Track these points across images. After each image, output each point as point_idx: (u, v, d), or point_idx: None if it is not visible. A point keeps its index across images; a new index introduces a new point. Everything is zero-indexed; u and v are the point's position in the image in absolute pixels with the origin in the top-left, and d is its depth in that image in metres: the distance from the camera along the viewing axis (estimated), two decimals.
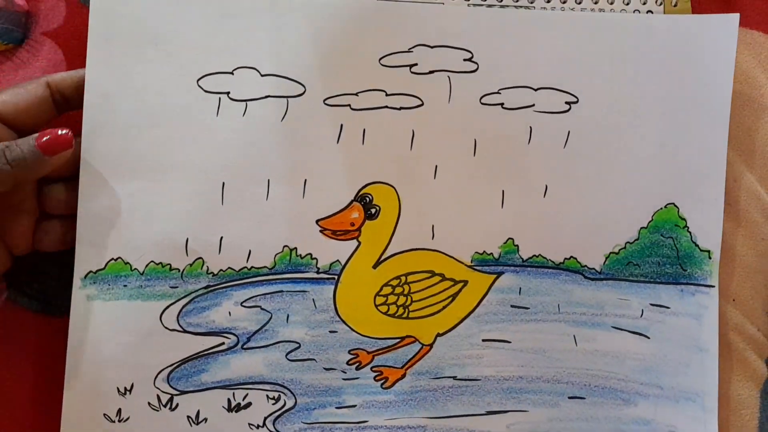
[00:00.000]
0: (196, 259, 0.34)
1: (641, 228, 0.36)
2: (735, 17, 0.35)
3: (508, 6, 0.36)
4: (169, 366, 0.34)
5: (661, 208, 0.36)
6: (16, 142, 0.32)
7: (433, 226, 0.35)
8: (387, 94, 0.35)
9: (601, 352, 0.36)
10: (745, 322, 0.37)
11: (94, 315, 0.34)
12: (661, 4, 0.36)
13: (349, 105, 0.35)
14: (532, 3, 0.36)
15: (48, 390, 0.36)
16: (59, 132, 0.33)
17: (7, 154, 0.32)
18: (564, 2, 0.36)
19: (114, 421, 0.34)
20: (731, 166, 0.37)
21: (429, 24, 0.35)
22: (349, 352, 0.35)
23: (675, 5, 0.37)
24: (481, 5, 0.36)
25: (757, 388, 0.37)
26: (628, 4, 0.37)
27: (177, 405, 0.34)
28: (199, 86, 0.34)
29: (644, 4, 0.37)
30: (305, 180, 0.35)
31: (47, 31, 0.37)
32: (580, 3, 0.36)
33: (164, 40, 0.34)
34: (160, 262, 0.34)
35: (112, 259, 0.34)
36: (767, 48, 0.38)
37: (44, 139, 0.32)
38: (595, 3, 0.36)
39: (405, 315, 0.36)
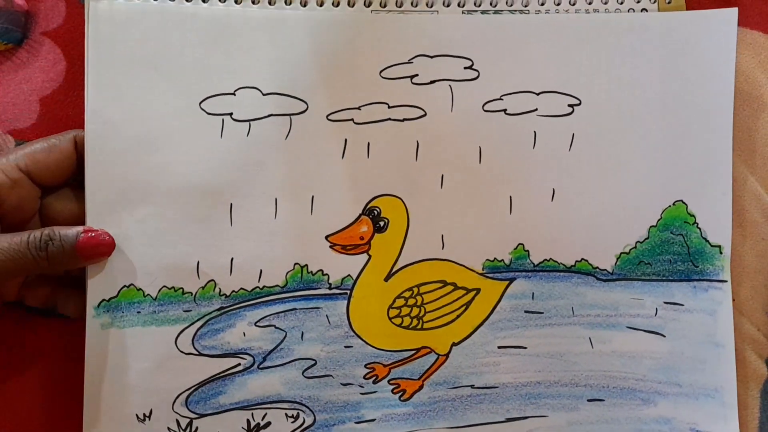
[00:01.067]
0: (208, 282, 0.35)
1: (651, 226, 0.37)
2: (734, 11, 0.36)
3: (503, 11, 0.37)
4: (187, 390, 0.35)
5: (670, 206, 0.37)
6: (60, 235, 0.33)
7: (442, 236, 0.36)
8: (389, 107, 0.36)
9: (618, 352, 0.37)
10: (745, 322, 0.38)
11: (109, 343, 0.34)
12: (654, 2, 0.37)
13: (352, 119, 0.36)
14: (526, 6, 0.37)
15: (65, 410, 0.36)
16: (103, 237, 0.34)
17: (49, 247, 0.32)
18: (558, 4, 0.37)
19: None
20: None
21: (428, 34, 0.36)
22: (365, 366, 0.36)
23: (669, 2, 0.38)
24: (476, 11, 0.37)
25: (757, 388, 0.38)
26: (621, 3, 0.37)
27: (197, 428, 0.35)
28: (202, 109, 0.35)
29: (638, 2, 0.37)
30: (312, 197, 0.36)
31: (47, 31, 0.37)
32: (573, 4, 0.37)
33: (164, 63, 0.35)
34: (173, 287, 0.35)
35: (125, 286, 0.34)
36: (767, 48, 0.38)
37: (89, 236, 0.33)
38: (589, 3, 0.37)
39: (419, 326, 0.36)
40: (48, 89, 0.37)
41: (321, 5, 0.36)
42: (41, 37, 0.37)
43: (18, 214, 0.34)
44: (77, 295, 0.35)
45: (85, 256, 0.33)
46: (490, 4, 0.37)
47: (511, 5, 0.37)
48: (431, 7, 0.37)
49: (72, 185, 0.36)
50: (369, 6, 0.36)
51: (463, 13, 0.37)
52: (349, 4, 0.36)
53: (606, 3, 0.37)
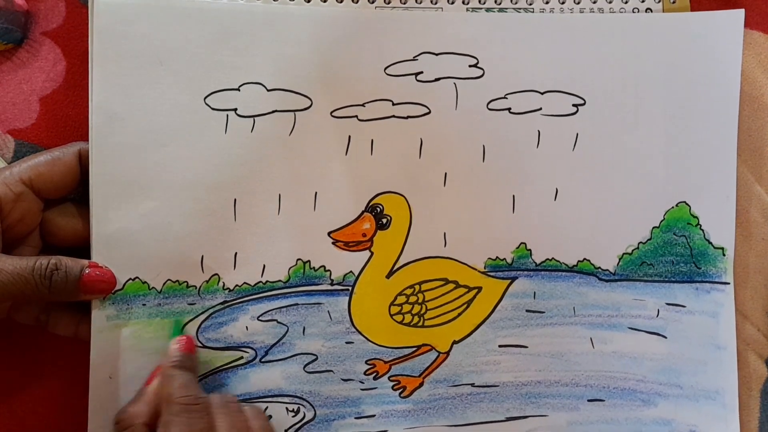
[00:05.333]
0: (212, 276, 0.38)
1: (653, 227, 0.39)
2: (740, 13, 0.38)
3: (507, 8, 0.39)
4: None
5: (673, 207, 0.39)
6: (66, 266, 0.34)
7: (444, 234, 0.39)
8: (394, 104, 0.38)
9: (619, 353, 0.39)
10: (745, 322, 0.40)
11: (114, 335, 0.37)
12: (659, 2, 0.39)
13: (356, 116, 0.38)
14: (530, 4, 0.39)
15: (70, 405, 0.39)
16: (108, 275, 0.36)
17: (53, 277, 0.34)
18: (563, 2, 0.39)
19: None
20: None
21: (433, 31, 0.38)
22: (366, 362, 0.39)
23: (673, 2, 0.40)
24: (480, 8, 0.39)
25: (757, 388, 0.40)
26: (626, 2, 0.39)
27: None
28: (206, 104, 0.37)
29: (643, 2, 0.39)
30: (315, 193, 0.38)
31: (47, 31, 0.39)
32: (578, 3, 0.39)
33: (169, 59, 0.37)
34: (177, 280, 0.38)
35: (130, 279, 0.37)
36: (767, 48, 0.41)
37: (94, 272, 0.35)
38: (594, 2, 0.39)
39: (420, 323, 0.39)
40: (48, 89, 0.39)
41: (325, 1, 0.38)
42: (41, 37, 0.39)
43: (20, 227, 0.36)
44: (68, 315, 0.37)
45: (87, 290, 0.35)
46: (495, 2, 0.39)
47: (516, 3, 0.39)
48: (435, 3, 0.39)
49: (73, 199, 0.38)
50: (373, 2, 0.39)
51: (467, 10, 0.39)
52: (353, 0, 0.39)
53: (611, 2, 0.39)
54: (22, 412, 0.39)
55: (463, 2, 0.39)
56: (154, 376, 0.36)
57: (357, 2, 0.39)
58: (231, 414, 0.35)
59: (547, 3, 0.39)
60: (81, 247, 0.37)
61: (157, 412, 0.34)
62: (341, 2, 0.38)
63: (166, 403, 0.34)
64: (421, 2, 0.39)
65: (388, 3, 0.39)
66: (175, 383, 0.34)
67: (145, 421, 0.34)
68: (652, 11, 0.40)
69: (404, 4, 0.39)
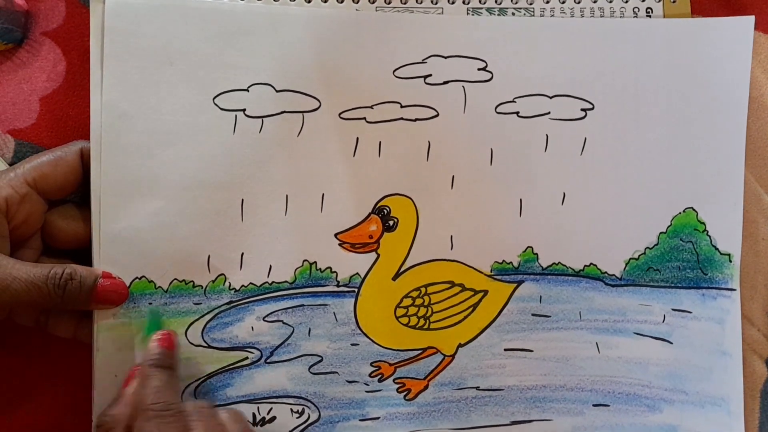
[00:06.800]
0: (218, 276, 0.38)
1: (660, 233, 0.39)
2: (750, 19, 0.39)
3: (507, 8, 0.39)
4: (195, 381, 0.38)
5: (680, 213, 0.39)
6: (81, 276, 0.35)
7: (451, 237, 0.39)
8: (402, 106, 0.39)
9: (624, 358, 0.39)
10: (745, 322, 0.40)
11: (120, 333, 0.37)
12: (659, 1, 0.40)
13: (365, 118, 0.38)
14: (531, 4, 0.40)
15: (71, 405, 0.39)
16: (120, 286, 0.36)
17: (67, 287, 0.34)
18: (563, 2, 0.40)
19: None
20: None
21: (442, 34, 0.38)
22: (371, 364, 0.39)
23: (674, 1, 0.40)
24: (481, 8, 0.39)
25: (758, 388, 0.41)
26: (627, 1, 0.40)
27: None
28: (215, 104, 0.38)
29: (643, 0, 0.40)
30: (323, 194, 0.38)
31: (47, 31, 0.40)
32: (578, 2, 0.40)
33: (180, 59, 0.37)
34: (183, 280, 0.38)
35: (137, 278, 0.37)
36: (767, 48, 0.41)
37: (107, 282, 0.36)
38: (594, 1, 0.40)
39: (426, 326, 0.39)
40: (48, 89, 0.39)
41: (325, 1, 0.39)
42: (41, 37, 0.40)
43: (24, 229, 0.36)
44: (67, 317, 0.37)
45: (99, 300, 0.36)
46: (495, 1, 0.39)
47: (516, 3, 0.40)
48: (435, 3, 0.39)
49: (73, 201, 0.38)
50: (373, 2, 0.39)
51: (468, 11, 0.39)
52: (353, 1, 0.39)
53: (611, 1, 0.40)
54: (22, 412, 0.39)
55: (464, 2, 0.39)
56: (132, 375, 0.35)
57: (357, 2, 0.39)
58: (205, 419, 0.34)
59: (547, 2, 0.40)
60: (80, 249, 0.38)
61: (136, 414, 0.34)
62: (342, 2, 0.39)
63: (140, 408, 0.34)
64: (421, 2, 0.39)
65: (389, 3, 0.39)
66: (151, 386, 0.34)
67: (126, 424, 0.34)
68: (652, 10, 0.40)
69: (404, 4, 0.39)
